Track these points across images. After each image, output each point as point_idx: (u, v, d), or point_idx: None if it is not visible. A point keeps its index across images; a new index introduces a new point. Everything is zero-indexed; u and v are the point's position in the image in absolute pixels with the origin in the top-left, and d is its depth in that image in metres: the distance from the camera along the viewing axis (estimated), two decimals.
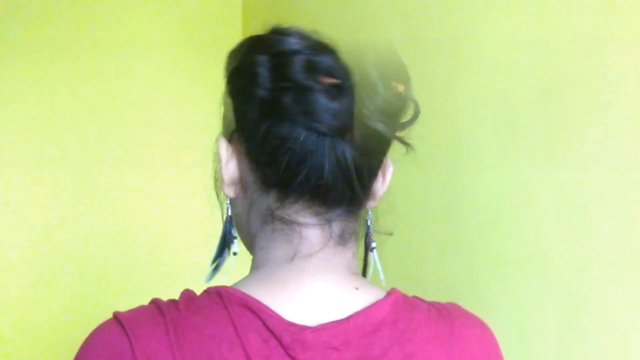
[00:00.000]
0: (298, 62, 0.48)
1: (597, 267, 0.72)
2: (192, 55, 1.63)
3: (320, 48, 0.50)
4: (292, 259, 0.51)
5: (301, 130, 0.48)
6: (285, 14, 1.44)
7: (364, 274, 0.57)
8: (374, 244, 0.56)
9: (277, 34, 0.51)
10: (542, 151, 0.79)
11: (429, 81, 0.99)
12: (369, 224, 0.56)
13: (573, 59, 0.75)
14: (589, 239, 0.73)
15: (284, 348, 0.47)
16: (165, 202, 1.62)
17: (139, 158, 1.60)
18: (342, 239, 0.52)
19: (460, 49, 0.93)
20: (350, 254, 0.53)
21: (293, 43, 0.49)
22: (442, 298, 0.57)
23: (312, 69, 0.48)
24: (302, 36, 0.50)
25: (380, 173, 0.55)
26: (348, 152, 0.49)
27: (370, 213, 0.56)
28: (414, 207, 1.03)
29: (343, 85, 0.48)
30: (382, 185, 0.56)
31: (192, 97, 1.64)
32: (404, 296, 0.53)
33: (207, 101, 1.57)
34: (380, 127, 0.49)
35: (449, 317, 0.53)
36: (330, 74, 0.48)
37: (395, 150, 0.57)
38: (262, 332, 0.47)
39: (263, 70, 0.49)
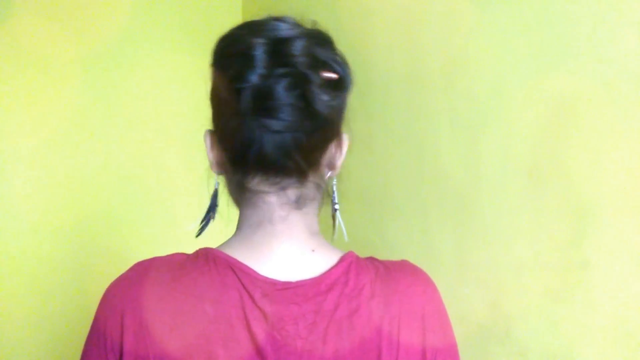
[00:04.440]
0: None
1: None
2: (191, 53, 1.62)
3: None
4: (262, 223, 0.62)
5: (248, 124, 0.58)
6: (285, 14, 1.44)
7: (334, 230, 0.68)
8: (336, 206, 0.66)
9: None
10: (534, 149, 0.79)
11: (426, 80, 0.99)
12: (334, 189, 0.66)
13: (571, 60, 0.75)
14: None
15: (256, 302, 0.58)
16: (164, 192, 1.63)
17: (139, 153, 1.60)
18: (299, 204, 0.62)
19: (457, 48, 0.93)
20: (310, 217, 0.63)
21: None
22: None
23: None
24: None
25: (334, 146, 0.63)
26: (288, 137, 0.58)
27: (335, 180, 0.65)
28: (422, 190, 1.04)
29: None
30: (339, 156, 0.65)
31: (192, 93, 1.64)
32: (357, 259, 0.63)
33: (204, 100, 1.57)
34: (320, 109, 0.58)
35: (396, 275, 0.63)
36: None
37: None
38: (239, 288, 0.58)
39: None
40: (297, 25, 0.60)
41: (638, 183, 0.68)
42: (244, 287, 0.58)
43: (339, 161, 0.65)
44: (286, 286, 0.59)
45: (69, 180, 1.50)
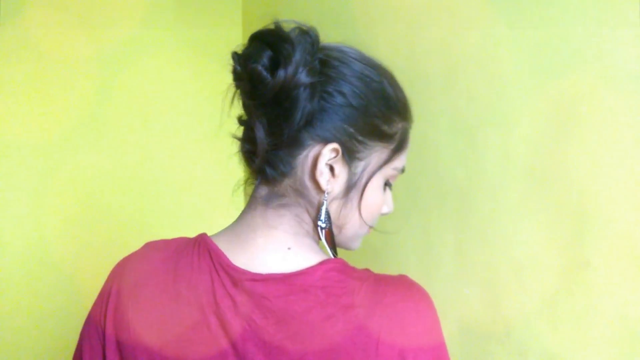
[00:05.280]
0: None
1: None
2: (192, 55, 1.63)
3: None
4: (244, 214, 0.65)
5: None
6: (285, 14, 1.44)
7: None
8: (319, 222, 0.63)
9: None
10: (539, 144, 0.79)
11: (427, 81, 0.99)
12: (321, 209, 0.63)
13: (571, 59, 0.75)
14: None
15: (227, 289, 0.59)
16: (167, 192, 1.64)
17: (143, 154, 1.61)
18: (267, 201, 0.63)
19: (457, 48, 0.93)
20: (289, 217, 0.63)
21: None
22: None
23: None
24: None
25: (313, 156, 0.61)
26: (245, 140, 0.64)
27: (325, 203, 0.62)
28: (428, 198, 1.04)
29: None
30: (315, 169, 0.61)
31: (192, 95, 1.65)
32: (343, 268, 0.60)
33: (205, 99, 1.58)
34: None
35: (385, 289, 0.59)
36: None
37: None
38: (212, 273, 0.60)
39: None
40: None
41: (638, 183, 0.68)
42: (217, 273, 0.60)
43: (319, 174, 0.61)
44: (255, 277, 0.59)
45: (71, 179, 1.50)
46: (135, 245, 0.69)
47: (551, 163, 0.78)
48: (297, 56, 0.57)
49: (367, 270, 0.62)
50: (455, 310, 0.93)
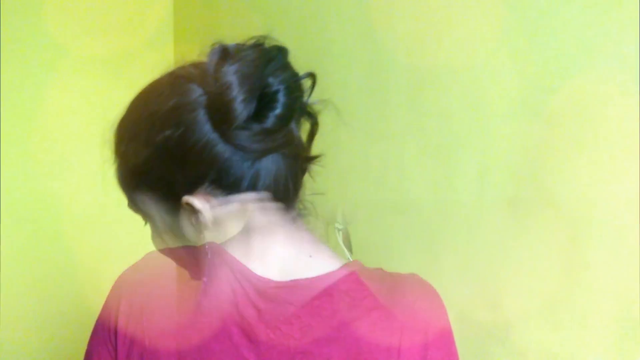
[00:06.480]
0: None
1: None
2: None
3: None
4: (253, 223, 0.62)
5: None
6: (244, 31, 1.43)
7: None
8: (337, 225, 0.66)
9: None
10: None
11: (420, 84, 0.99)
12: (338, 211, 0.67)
13: (556, 72, 0.75)
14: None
15: (250, 298, 0.59)
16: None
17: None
18: (281, 214, 0.62)
19: (426, 58, 0.92)
20: (304, 227, 0.64)
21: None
22: None
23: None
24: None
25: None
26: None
27: (342, 205, 0.67)
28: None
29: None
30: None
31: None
32: (361, 269, 0.62)
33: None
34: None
35: (403, 289, 0.61)
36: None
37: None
38: (233, 283, 0.59)
39: None
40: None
41: (637, 183, 0.68)
42: (239, 283, 0.59)
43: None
44: (279, 285, 0.59)
45: (75, 179, 1.50)
46: (139, 245, 0.68)
47: (552, 163, 0.78)
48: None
49: (380, 269, 0.64)
50: (455, 310, 0.93)
